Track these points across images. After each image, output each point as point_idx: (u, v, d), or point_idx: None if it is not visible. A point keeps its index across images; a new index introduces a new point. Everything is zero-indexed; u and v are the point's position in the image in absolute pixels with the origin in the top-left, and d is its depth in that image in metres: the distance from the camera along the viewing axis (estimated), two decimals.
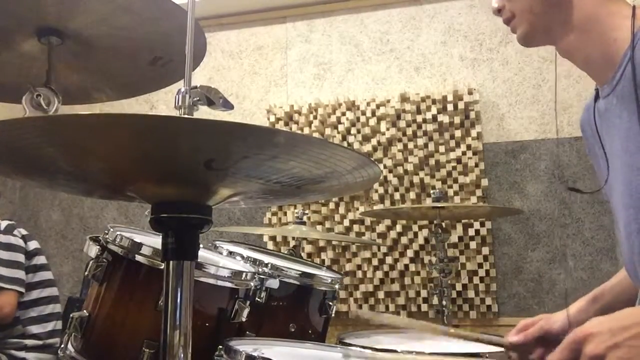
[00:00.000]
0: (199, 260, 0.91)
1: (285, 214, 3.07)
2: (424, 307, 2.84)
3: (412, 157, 2.92)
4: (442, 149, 2.91)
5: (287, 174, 0.78)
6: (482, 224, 2.83)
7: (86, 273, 1.36)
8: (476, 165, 2.86)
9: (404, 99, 2.97)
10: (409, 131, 2.95)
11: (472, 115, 2.90)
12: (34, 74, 1.25)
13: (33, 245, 2.37)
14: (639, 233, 1.03)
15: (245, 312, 1.38)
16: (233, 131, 0.67)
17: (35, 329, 2.29)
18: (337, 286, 1.74)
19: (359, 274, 2.92)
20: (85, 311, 1.34)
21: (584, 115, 1.23)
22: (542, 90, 2.92)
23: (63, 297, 2.58)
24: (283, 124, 3.13)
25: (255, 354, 1.11)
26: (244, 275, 1.40)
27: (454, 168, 2.88)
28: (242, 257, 1.62)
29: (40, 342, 2.29)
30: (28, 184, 3.42)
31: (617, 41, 1.02)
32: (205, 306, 1.34)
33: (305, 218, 2.31)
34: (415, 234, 2.89)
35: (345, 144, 2.98)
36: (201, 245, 0.89)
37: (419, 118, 2.95)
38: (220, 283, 1.35)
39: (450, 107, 2.91)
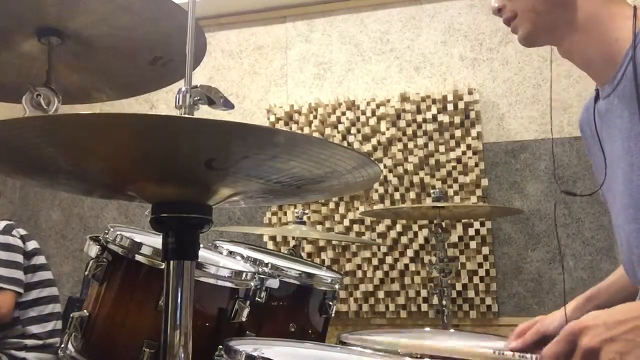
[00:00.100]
0: (199, 260, 0.91)
1: (285, 213, 3.07)
2: (424, 307, 2.84)
3: (412, 156, 2.92)
4: (442, 148, 2.91)
5: (287, 173, 0.78)
6: (482, 224, 2.83)
7: (86, 273, 1.36)
8: (476, 165, 2.86)
9: (404, 98, 2.97)
10: (409, 131, 2.95)
11: (472, 115, 2.90)
12: (34, 74, 1.25)
13: (32, 245, 2.37)
14: (639, 233, 1.03)
15: (245, 312, 1.37)
16: (233, 131, 0.67)
17: (35, 328, 2.29)
18: (337, 286, 1.74)
19: (359, 273, 2.92)
20: (85, 311, 1.34)
21: (583, 116, 1.23)
22: (542, 90, 2.92)
23: (63, 297, 2.58)
24: (283, 123, 3.13)
25: (255, 354, 1.11)
26: (244, 275, 1.40)
27: (454, 168, 2.88)
28: (242, 257, 1.62)
29: (40, 342, 2.29)
30: (28, 184, 3.42)
31: (619, 41, 1.02)
32: (205, 306, 1.34)
33: (305, 218, 2.31)
34: (415, 234, 2.89)
35: (345, 143, 2.98)
36: (201, 245, 0.89)
37: (419, 118, 2.95)
38: (220, 283, 1.35)
39: (450, 107, 2.91)
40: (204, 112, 0.85)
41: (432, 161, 2.91)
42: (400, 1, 3.15)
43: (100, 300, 1.33)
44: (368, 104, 3.02)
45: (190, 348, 0.83)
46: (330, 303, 1.70)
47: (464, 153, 2.88)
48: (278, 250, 2.79)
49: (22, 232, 2.36)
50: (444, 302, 2.33)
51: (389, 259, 2.89)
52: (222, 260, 1.59)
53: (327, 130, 3.06)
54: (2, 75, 1.34)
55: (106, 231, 1.38)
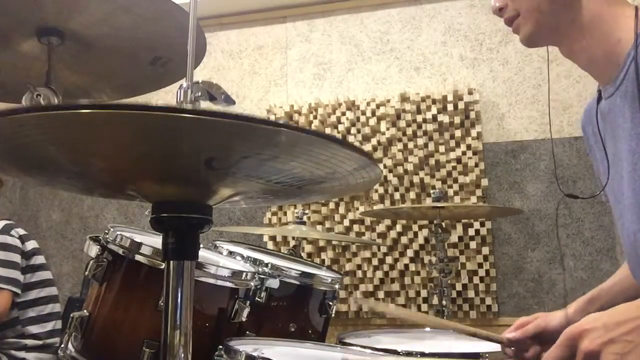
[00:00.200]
0: (199, 260, 0.91)
1: (285, 214, 3.07)
2: (424, 307, 2.84)
3: (412, 157, 2.92)
4: (442, 148, 2.91)
5: (288, 174, 0.78)
6: (482, 224, 2.83)
7: (86, 273, 1.36)
8: (476, 165, 2.86)
9: (404, 98, 2.97)
10: (409, 131, 2.95)
11: (472, 115, 2.90)
12: (34, 74, 1.25)
13: (31, 245, 2.36)
14: None
15: (245, 312, 1.37)
16: (235, 126, 0.67)
17: (34, 328, 2.29)
18: (337, 286, 1.74)
19: (359, 273, 2.92)
20: (85, 311, 1.34)
21: (585, 116, 1.23)
22: (542, 90, 2.92)
23: (63, 297, 2.58)
24: None
25: (255, 354, 1.11)
26: (244, 275, 1.40)
27: (454, 168, 2.88)
28: (242, 257, 1.62)
29: (39, 342, 2.29)
30: (28, 183, 3.42)
31: (621, 41, 1.02)
32: (205, 306, 1.34)
33: (305, 218, 2.31)
34: (415, 234, 2.89)
35: None
36: (201, 245, 0.89)
37: (419, 118, 2.95)
38: (220, 283, 1.35)
39: (450, 107, 2.91)
40: None
41: (432, 161, 2.91)
42: (400, 1, 3.15)
43: (100, 300, 1.33)
44: (368, 104, 3.02)
45: (190, 348, 0.83)
46: (330, 303, 1.70)
47: (464, 153, 2.88)
48: (278, 250, 2.79)
49: (21, 232, 2.35)
50: (444, 302, 2.33)
51: (389, 259, 2.89)
52: (222, 260, 1.58)
53: (327, 131, 3.06)
54: (2, 75, 1.34)
55: (106, 231, 1.38)
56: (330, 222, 2.99)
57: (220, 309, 1.36)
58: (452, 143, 2.90)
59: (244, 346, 1.17)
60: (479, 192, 2.84)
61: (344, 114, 3.05)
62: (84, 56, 1.28)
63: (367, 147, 2.99)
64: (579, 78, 2.84)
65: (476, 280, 2.80)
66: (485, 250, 2.80)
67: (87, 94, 1.43)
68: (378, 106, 3.00)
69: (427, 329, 1.67)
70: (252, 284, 1.45)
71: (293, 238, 2.84)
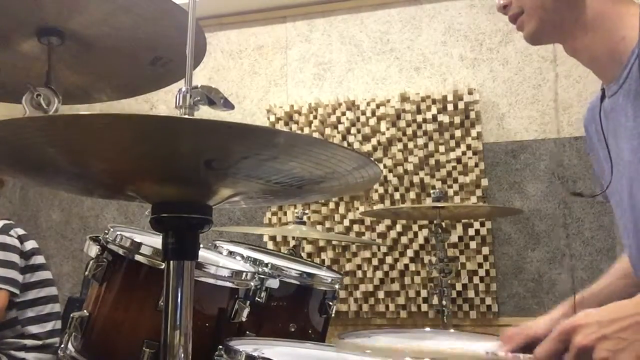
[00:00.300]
0: (199, 260, 0.91)
1: (285, 213, 3.07)
2: (424, 307, 2.84)
3: (412, 157, 2.92)
4: (442, 148, 2.91)
5: (287, 174, 0.78)
6: (482, 224, 2.83)
7: (86, 273, 1.36)
8: (476, 165, 2.86)
9: (404, 98, 2.97)
10: (409, 131, 2.95)
11: (472, 115, 2.90)
12: (34, 74, 1.25)
13: (30, 245, 2.36)
14: None
15: (245, 312, 1.38)
16: (233, 131, 0.67)
17: (34, 328, 2.29)
18: (337, 286, 1.74)
19: (359, 274, 2.92)
20: (85, 311, 1.34)
21: (587, 115, 1.23)
22: (542, 90, 2.92)
23: (63, 297, 2.58)
24: (283, 124, 3.13)
25: (255, 354, 1.11)
26: (244, 275, 1.40)
27: (454, 168, 2.88)
28: (242, 257, 1.62)
29: (39, 342, 2.28)
30: (28, 184, 3.42)
31: (625, 40, 1.02)
32: (205, 306, 1.34)
33: (305, 218, 2.31)
34: (415, 234, 2.89)
35: (345, 144, 2.98)
36: (201, 245, 0.89)
37: (419, 118, 2.95)
38: (220, 283, 1.35)
39: (450, 107, 2.91)
40: (204, 112, 0.85)
41: (432, 161, 2.91)
42: (400, 1, 3.15)
43: (100, 301, 1.33)
44: (368, 104, 3.02)
45: (190, 348, 0.83)
46: (330, 303, 1.70)
47: (464, 153, 2.88)
48: (278, 250, 2.79)
49: (20, 232, 2.35)
50: (444, 302, 2.33)
51: (389, 259, 2.89)
52: (222, 260, 1.59)
53: (327, 131, 3.06)
54: (2, 75, 1.34)
55: (106, 231, 1.38)
56: (330, 222, 2.99)
57: (220, 309, 1.36)
58: (452, 143, 2.90)
59: (244, 346, 1.17)
60: (479, 192, 2.84)
61: (344, 114, 3.05)
62: (84, 56, 1.28)
63: (367, 147, 2.99)
64: (579, 78, 2.84)
65: (476, 280, 2.80)
66: (485, 250, 2.80)
67: (87, 94, 1.43)
68: (378, 106, 3.00)
69: (427, 329, 1.66)
70: (252, 284, 1.45)
71: (293, 238, 2.84)
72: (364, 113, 3.02)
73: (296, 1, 3.24)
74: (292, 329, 1.60)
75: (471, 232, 2.82)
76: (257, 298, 1.48)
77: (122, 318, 1.31)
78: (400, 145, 2.95)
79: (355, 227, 2.96)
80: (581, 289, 1.30)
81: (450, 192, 2.86)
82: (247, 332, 1.46)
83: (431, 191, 2.39)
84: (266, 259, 1.63)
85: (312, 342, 1.40)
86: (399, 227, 2.90)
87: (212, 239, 1.91)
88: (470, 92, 2.92)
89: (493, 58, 3.00)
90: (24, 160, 0.79)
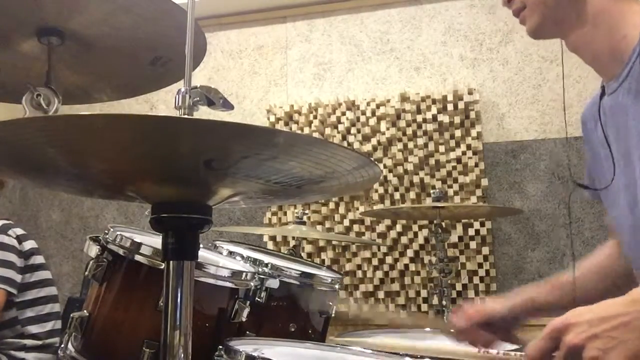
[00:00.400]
0: (199, 260, 0.91)
1: (285, 214, 3.07)
2: (424, 307, 2.84)
3: (412, 157, 2.92)
4: (442, 148, 2.91)
5: (287, 174, 0.78)
6: (482, 224, 2.83)
7: (86, 273, 1.36)
8: (476, 165, 2.86)
9: (404, 98, 2.97)
10: (409, 131, 2.95)
11: (472, 115, 2.90)
12: (34, 74, 1.25)
13: (29, 245, 2.36)
14: None
15: (245, 312, 1.37)
16: (233, 132, 0.67)
17: (34, 328, 2.28)
18: (337, 286, 1.74)
19: (359, 274, 2.92)
20: (85, 311, 1.34)
21: (586, 112, 1.23)
22: (542, 90, 2.92)
23: (63, 297, 2.58)
24: (283, 124, 3.13)
25: (255, 354, 1.11)
26: (244, 275, 1.40)
27: (454, 168, 2.88)
28: (242, 257, 1.62)
29: (39, 342, 2.28)
30: (28, 184, 3.42)
31: (627, 37, 1.02)
32: (205, 306, 1.34)
33: (305, 218, 2.31)
34: (415, 234, 2.89)
35: (345, 143, 2.98)
36: (201, 245, 0.89)
37: (419, 118, 2.95)
38: (220, 283, 1.35)
39: (450, 107, 2.91)
40: (204, 112, 0.85)
41: (432, 161, 2.91)
42: (400, 1, 3.15)
43: (100, 301, 1.33)
44: (368, 104, 3.02)
45: (190, 348, 0.83)
46: (330, 303, 1.70)
47: (464, 153, 2.88)
48: (278, 250, 2.79)
49: (19, 232, 2.35)
50: (444, 302, 2.33)
51: (389, 259, 2.89)
52: (222, 260, 1.58)
53: (327, 131, 3.06)
54: (2, 75, 1.34)
55: (106, 231, 1.38)
56: (330, 222, 2.99)
57: (220, 309, 1.36)
58: (452, 143, 2.90)
59: (244, 346, 1.17)
60: (479, 192, 2.84)
61: (344, 114, 3.05)
62: (84, 56, 1.28)
63: (367, 147, 2.99)
64: (578, 78, 2.84)
65: (476, 280, 2.80)
66: (485, 250, 2.80)
67: (87, 94, 1.43)
68: (378, 106, 3.00)
69: (427, 329, 1.67)
70: (252, 284, 1.45)
71: (293, 238, 2.84)
72: (364, 113, 3.02)
73: (296, 1, 3.24)
74: (292, 329, 1.60)
75: (471, 232, 2.82)
76: (257, 298, 1.48)
77: (122, 318, 1.31)
78: (400, 145, 2.95)
79: (355, 227, 2.96)
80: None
81: (450, 192, 2.86)
82: (247, 332, 1.46)
83: (431, 191, 2.39)
84: (266, 259, 1.63)
85: (312, 342, 1.39)
86: (399, 227, 2.90)
87: (212, 239, 1.91)
88: (470, 92, 2.91)
89: (493, 58, 3.00)
90: (24, 160, 0.79)
